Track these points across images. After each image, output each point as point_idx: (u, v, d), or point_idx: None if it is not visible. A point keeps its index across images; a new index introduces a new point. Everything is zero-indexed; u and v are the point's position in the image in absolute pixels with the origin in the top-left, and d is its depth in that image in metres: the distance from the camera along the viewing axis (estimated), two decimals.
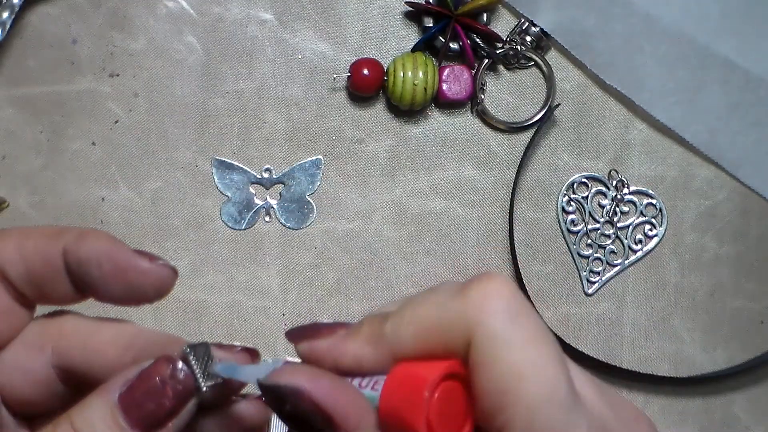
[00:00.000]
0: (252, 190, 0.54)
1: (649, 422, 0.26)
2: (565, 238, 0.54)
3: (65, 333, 0.28)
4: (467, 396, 0.24)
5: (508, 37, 0.53)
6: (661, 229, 0.54)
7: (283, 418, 0.25)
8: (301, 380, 0.24)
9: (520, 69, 0.54)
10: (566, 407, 0.22)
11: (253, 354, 0.28)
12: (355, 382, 0.25)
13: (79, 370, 0.28)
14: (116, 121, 0.53)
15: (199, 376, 0.26)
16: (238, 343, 0.28)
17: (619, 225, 0.54)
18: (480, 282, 0.23)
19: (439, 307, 0.24)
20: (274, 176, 0.54)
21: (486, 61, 0.53)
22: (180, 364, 0.26)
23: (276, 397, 0.24)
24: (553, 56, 0.54)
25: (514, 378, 0.22)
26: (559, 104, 0.54)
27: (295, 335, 0.26)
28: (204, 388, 0.26)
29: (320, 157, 0.54)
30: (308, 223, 0.54)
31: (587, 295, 0.54)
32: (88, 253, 0.27)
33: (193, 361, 0.26)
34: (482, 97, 0.54)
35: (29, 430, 0.29)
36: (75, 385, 0.28)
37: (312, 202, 0.54)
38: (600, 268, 0.54)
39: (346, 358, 0.25)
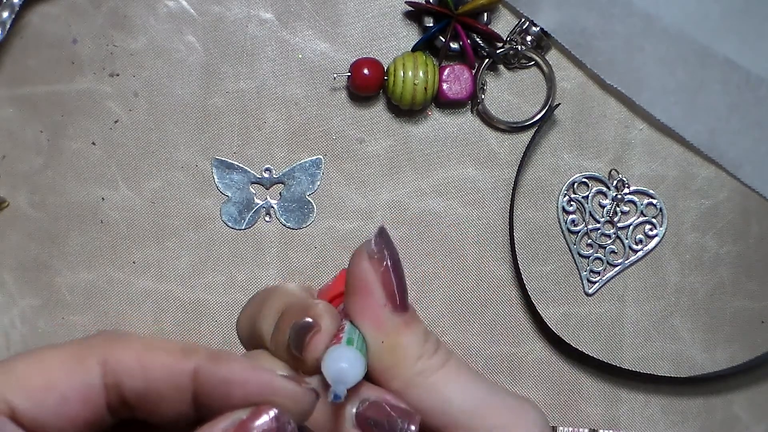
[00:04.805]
0: (252, 190, 0.54)
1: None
2: (565, 238, 0.54)
3: (116, 346, 0.25)
4: None
5: (508, 36, 0.53)
6: (661, 228, 0.54)
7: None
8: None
9: (520, 69, 0.54)
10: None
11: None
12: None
13: (132, 387, 0.25)
14: (116, 121, 0.53)
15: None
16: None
17: (619, 225, 0.54)
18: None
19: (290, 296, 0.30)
20: (274, 176, 0.54)
21: (486, 60, 0.53)
22: (282, 415, 0.24)
23: None
24: (553, 56, 0.54)
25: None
26: (560, 104, 0.53)
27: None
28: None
29: (320, 156, 0.54)
30: (308, 223, 0.54)
31: (587, 295, 0.54)
32: (227, 376, 0.25)
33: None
34: (482, 96, 0.54)
35: None
36: (120, 409, 0.26)
37: (312, 201, 0.54)
38: (600, 268, 0.54)
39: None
